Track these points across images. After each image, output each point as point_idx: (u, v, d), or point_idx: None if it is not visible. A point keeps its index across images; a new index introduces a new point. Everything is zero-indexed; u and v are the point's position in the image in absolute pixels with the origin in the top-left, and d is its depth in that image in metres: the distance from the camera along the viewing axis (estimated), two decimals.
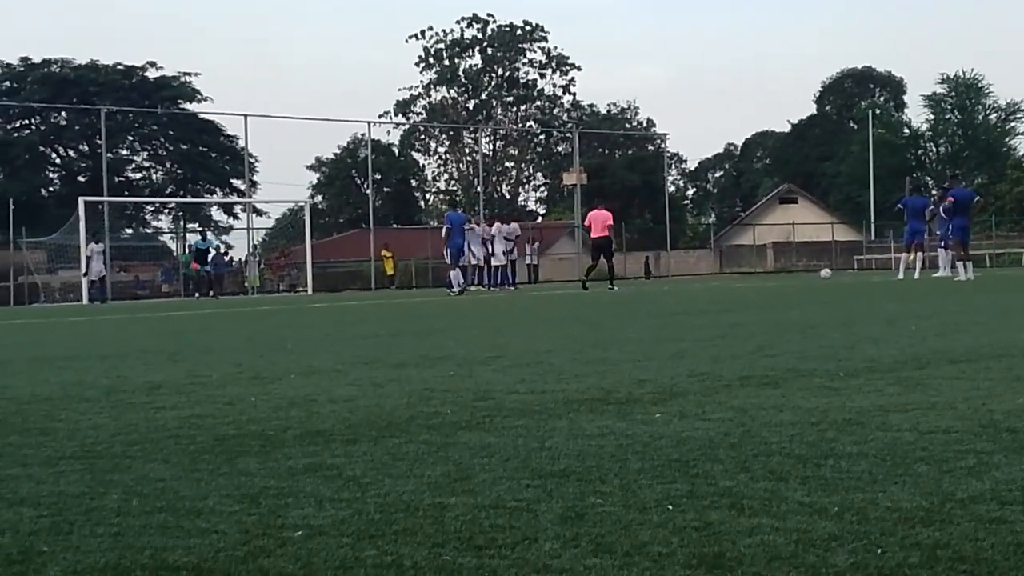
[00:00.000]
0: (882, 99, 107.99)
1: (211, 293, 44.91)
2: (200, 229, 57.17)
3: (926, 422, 5.33)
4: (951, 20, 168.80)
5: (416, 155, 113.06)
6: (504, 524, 3.58)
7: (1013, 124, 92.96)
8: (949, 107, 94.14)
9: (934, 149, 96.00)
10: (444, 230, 37.38)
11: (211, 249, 48.85)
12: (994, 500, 3.71)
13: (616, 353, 10.02)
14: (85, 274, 43.41)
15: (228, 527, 3.66)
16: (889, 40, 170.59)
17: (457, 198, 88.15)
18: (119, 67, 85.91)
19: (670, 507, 3.74)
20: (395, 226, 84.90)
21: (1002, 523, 3.41)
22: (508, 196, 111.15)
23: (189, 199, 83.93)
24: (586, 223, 34.60)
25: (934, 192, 58.74)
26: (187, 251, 52.60)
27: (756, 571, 3.00)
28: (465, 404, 6.54)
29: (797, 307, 19.14)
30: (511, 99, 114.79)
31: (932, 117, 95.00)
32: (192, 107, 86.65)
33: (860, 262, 69.90)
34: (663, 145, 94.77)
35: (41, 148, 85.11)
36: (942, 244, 35.04)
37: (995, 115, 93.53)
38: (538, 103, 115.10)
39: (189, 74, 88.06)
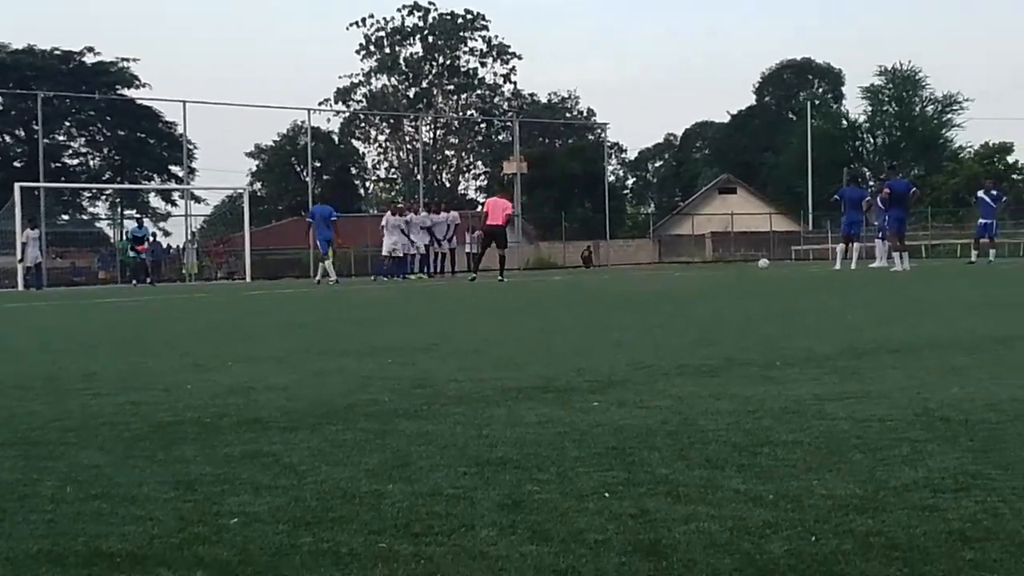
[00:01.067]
0: (821, 90, 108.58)
1: (148, 280, 44.61)
2: (137, 216, 56.81)
3: (862, 411, 5.37)
4: (889, 12, 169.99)
5: (356, 143, 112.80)
6: (441, 511, 3.58)
7: (949, 116, 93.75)
8: (887, 99, 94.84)
9: (872, 140, 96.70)
10: (308, 224, 37.36)
11: (148, 236, 48.56)
12: (927, 488, 3.74)
13: (556, 342, 10.04)
14: (20, 260, 43.01)
15: (164, 514, 3.64)
16: (828, 32, 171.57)
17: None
18: (56, 52, 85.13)
19: (607, 495, 3.76)
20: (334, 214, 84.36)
21: (935, 511, 3.44)
22: (448, 184, 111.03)
23: (127, 185, 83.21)
24: (484, 209, 34.13)
25: (871, 183, 59.17)
26: (124, 237, 52.17)
27: (692, 558, 3.02)
28: (404, 392, 6.54)
29: (735, 297, 19.23)
30: (452, 87, 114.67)
31: (870, 109, 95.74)
32: (130, 93, 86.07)
33: (798, 252, 70.27)
34: (603, 134, 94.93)
35: None
36: (879, 235, 35.33)
37: (932, 107, 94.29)
38: (479, 92, 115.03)
39: (127, 60, 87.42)
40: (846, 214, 35.46)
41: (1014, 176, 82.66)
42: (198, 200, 79.61)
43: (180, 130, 65.23)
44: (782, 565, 2.94)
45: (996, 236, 38.87)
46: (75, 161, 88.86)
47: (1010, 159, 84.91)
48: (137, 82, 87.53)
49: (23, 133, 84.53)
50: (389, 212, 42.39)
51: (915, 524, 3.29)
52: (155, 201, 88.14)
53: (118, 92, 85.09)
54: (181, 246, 58.74)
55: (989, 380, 6.44)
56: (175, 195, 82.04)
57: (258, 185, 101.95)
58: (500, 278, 32.39)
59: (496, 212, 32.88)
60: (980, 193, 37.90)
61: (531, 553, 3.09)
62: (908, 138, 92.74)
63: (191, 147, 73.25)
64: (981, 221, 37.12)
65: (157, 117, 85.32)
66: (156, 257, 51.23)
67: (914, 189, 34.70)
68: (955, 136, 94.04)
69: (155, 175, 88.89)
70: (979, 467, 4.06)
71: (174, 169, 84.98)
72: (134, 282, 44.52)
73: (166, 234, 77.89)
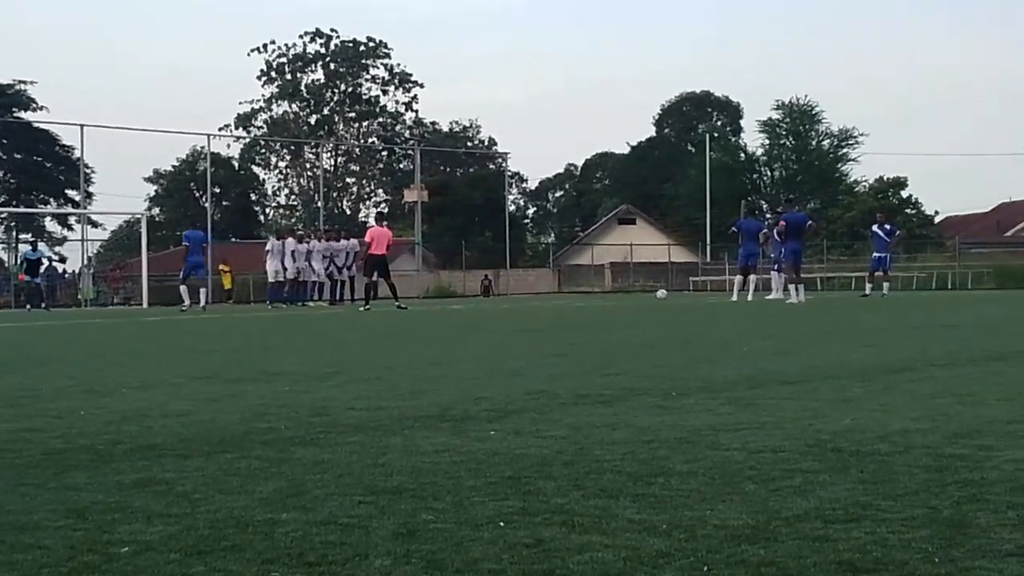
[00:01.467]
0: (719, 123, 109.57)
1: (43, 305, 43.98)
2: (32, 240, 56.02)
3: (755, 442, 5.42)
4: (787, 47, 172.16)
5: (256, 169, 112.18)
6: (336, 540, 3.57)
7: (845, 150, 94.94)
8: (784, 132, 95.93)
9: (769, 173, 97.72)
10: (186, 248, 37.98)
11: (43, 260, 47.87)
12: (819, 519, 3.78)
13: (454, 370, 10.04)
14: None
15: (54, 542, 3.60)
16: (727, 65, 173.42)
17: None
18: None
19: (502, 524, 3.76)
20: (234, 240, 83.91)
21: (826, 541, 3.48)
22: (349, 212, 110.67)
23: (22, 209, 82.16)
24: (367, 238, 34.11)
25: (768, 216, 59.78)
26: (18, 262, 51.54)
27: None
28: (301, 420, 6.51)
29: (633, 327, 19.33)
30: (353, 115, 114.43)
31: (767, 142, 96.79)
32: (27, 116, 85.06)
33: (696, 283, 70.76)
34: (504, 164, 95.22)
35: None
36: (775, 267, 35.70)
37: (828, 141, 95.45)
38: (380, 119, 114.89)
39: (24, 82, 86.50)
40: (743, 246, 35.74)
41: (907, 211, 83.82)
42: (95, 225, 78.99)
43: (77, 154, 64.76)
44: None
45: (890, 269, 39.44)
46: None
47: (904, 193, 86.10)
48: (34, 105, 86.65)
49: None
50: (273, 238, 42.34)
51: (806, 554, 3.33)
52: (51, 225, 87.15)
53: (14, 115, 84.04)
54: (77, 271, 58.05)
55: (881, 411, 6.53)
56: (72, 219, 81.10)
57: (156, 210, 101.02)
58: (398, 305, 32.40)
59: (380, 242, 33.05)
60: (874, 227, 38.41)
61: None
62: (805, 172, 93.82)
63: (88, 171, 72.60)
64: (875, 255, 37.62)
65: (54, 140, 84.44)
66: (51, 282, 50.58)
67: (810, 222, 35.20)
68: (851, 170, 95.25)
69: (52, 199, 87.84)
70: (869, 498, 4.12)
71: (71, 193, 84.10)
72: (28, 307, 43.87)
73: (62, 259, 77.01)
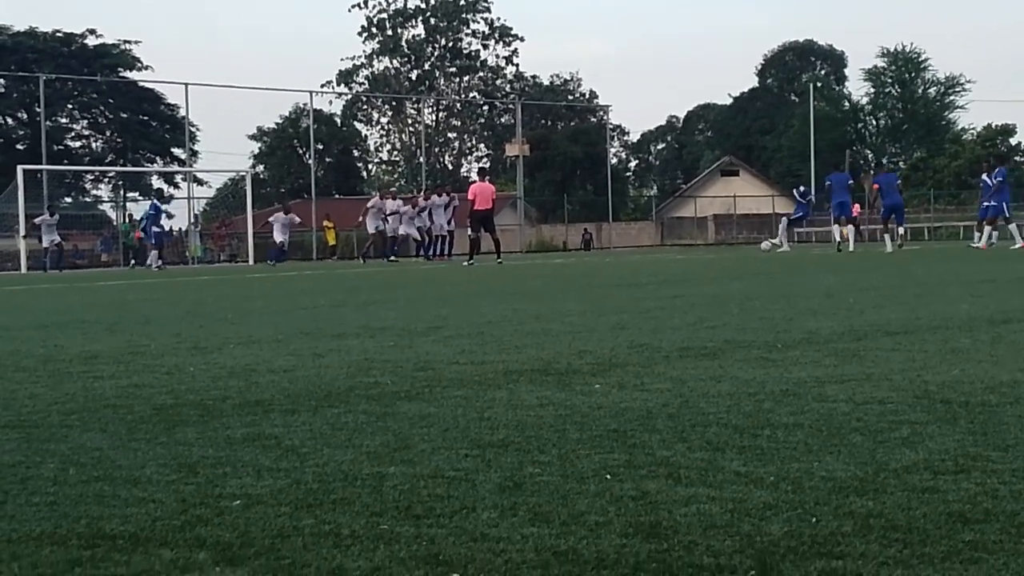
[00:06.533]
0: (823, 72, 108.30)
1: (160, 262, 44.33)
2: (161, 192, 56.44)
3: (862, 393, 5.38)
4: None
5: (358, 125, 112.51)
6: (442, 493, 3.59)
7: (952, 98, 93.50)
8: (889, 81, 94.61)
9: (874, 123, 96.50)
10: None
11: (163, 215, 47.82)
12: (927, 470, 3.75)
13: (556, 325, 10.04)
14: (25, 236, 43.12)
15: (165, 496, 3.65)
16: (830, 13, 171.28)
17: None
18: (58, 34, 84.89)
19: (608, 477, 3.77)
20: (337, 196, 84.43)
21: (934, 492, 3.45)
22: (451, 167, 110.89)
23: (129, 168, 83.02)
24: (470, 196, 34.12)
25: (872, 167, 59.30)
26: (127, 220, 52.15)
27: (692, 540, 3.02)
28: (405, 374, 6.55)
29: (737, 279, 19.22)
30: (454, 70, 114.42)
31: (872, 91, 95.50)
32: (132, 75, 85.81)
33: (800, 235, 70.16)
34: (606, 117, 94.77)
35: None
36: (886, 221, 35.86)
37: (934, 89, 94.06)
38: (481, 74, 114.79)
39: (129, 42, 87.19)
40: (833, 196, 36.02)
41: (1016, 158, 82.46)
42: (200, 183, 79.51)
43: (182, 112, 65.45)
44: (782, 546, 2.95)
45: (1001, 216, 38.95)
46: (77, 144, 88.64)
47: (1012, 141, 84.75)
48: (139, 64, 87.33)
49: (25, 116, 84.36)
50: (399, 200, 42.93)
51: (915, 505, 3.30)
52: (158, 183, 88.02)
53: (120, 75, 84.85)
54: (184, 229, 58.65)
55: (989, 362, 6.45)
56: (177, 177, 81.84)
57: (260, 168, 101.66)
58: (499, 260, 32.56)
59: (484, 197, 33.16)
60: (983, 176, 37.98)
61: (532, 535, 3.10)
62: (910, 120, 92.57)
63: (193, 129, 73.26)
64: (983, 204, 37.21)
65: (159, 99, 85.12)
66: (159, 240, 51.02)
67: (898, 181, 35.96)
68: (958, 118, 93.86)
69: (157, 157, 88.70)
70: (979, 449, 4.08)
71: (176, 151, 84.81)
72: (132, 264, 44.39)
73: (169, 216, 77.78)
